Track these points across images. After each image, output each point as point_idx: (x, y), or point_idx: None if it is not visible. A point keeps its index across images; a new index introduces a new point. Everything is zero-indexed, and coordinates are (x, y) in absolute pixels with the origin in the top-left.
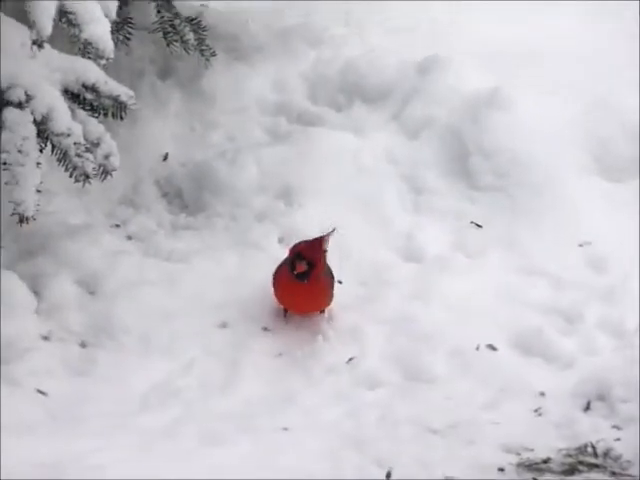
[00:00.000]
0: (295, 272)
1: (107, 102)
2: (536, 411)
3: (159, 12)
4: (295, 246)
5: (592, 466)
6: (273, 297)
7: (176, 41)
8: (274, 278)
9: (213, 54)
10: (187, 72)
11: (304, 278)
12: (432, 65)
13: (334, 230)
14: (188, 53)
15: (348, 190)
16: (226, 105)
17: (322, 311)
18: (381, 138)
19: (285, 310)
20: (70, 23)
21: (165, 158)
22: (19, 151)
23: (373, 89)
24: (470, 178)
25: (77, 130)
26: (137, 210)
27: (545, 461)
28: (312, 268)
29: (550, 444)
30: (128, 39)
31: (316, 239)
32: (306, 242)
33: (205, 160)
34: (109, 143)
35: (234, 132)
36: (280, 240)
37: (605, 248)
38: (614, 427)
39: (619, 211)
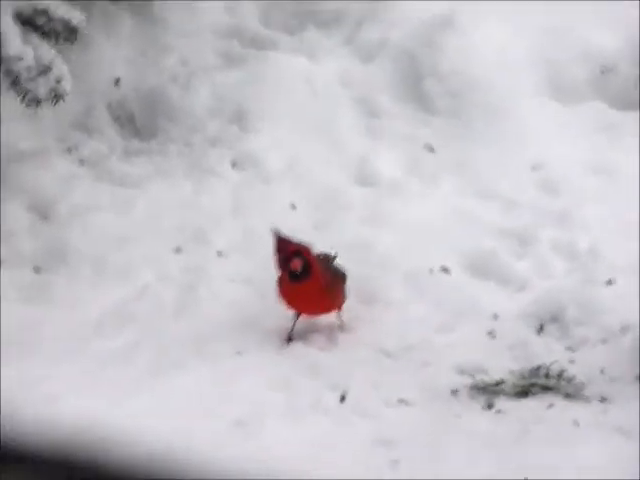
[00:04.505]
0: (292, 270)
1: (58, 26)
2: (490, 333)
3: None
4: (284, 245)
5: (545, 388)
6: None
7: None
8: (278, 284)
9: None
10: None
11: (301, 278)
12: None
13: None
14: None
15: (302, 114)
16: (179, 29)
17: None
18: (335, 62)
19: (297, 315)
20: None
21: (117, 82)
22: None
23: (326, 12)
24: (424, 101)
25: (28, 54)
26: (89, 135)
27: (498, 383)
28: (309, 266)
29: (504, 366)
30: None
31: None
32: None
33: (158, 84)
34: (60, 67)
35: (187, 56)
36: (233, 164)
37: (557, 170)
38: (568, 349)
39: (572, 134)
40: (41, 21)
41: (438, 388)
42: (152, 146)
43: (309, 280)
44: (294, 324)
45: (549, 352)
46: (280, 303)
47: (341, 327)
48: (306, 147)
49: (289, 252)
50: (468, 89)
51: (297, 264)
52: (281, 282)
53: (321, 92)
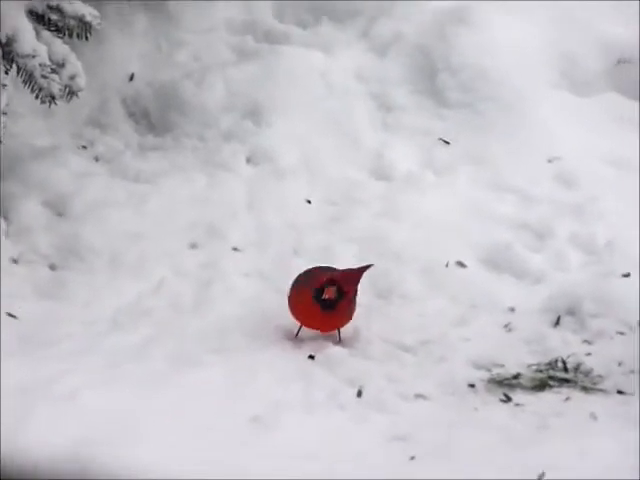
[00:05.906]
0: (324, 297)
1: (72, 22)
2: (506, 327)
3: None
4: (325, 270)
5: (563, 381)
6: (289, 311)
7: None
8: (293, 296)
9: None
10: None
11: (331, 306)
12: None
13: (371, 265)
14: None
15: (317, 109)
16: (192, 24)
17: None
18: (349, 56)
19: (300, 326)
20: None
21: (131, 78)
22: None
23: (340, 7)
24: (438, 95)
25: (42, 51)
26: (104, 131)
27: (515, 377)
28: (341, 298)
29: (520, 360)
30: None
31: (354, 271)
32: (343, 272)
33: (172, 80)
34: (74, 64)
35: (201, 51)
36: (248, 160)
37: (574, 163)
38: (584, 342)
39: (588, 126)
40: (54, 17)
41: (455, 382)
42: (166, 141)
43: (338, 309)
44: (299, 331)
45: (566, 345)
46: (291, 315)
47: (339, 340)
48: (321, 141)
49: (329, 279)
50: (482, 82)
51: (331, 293)
52: (300, 301)
53: (336, 86)
